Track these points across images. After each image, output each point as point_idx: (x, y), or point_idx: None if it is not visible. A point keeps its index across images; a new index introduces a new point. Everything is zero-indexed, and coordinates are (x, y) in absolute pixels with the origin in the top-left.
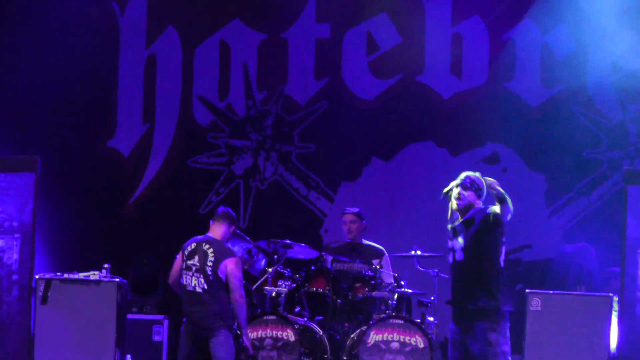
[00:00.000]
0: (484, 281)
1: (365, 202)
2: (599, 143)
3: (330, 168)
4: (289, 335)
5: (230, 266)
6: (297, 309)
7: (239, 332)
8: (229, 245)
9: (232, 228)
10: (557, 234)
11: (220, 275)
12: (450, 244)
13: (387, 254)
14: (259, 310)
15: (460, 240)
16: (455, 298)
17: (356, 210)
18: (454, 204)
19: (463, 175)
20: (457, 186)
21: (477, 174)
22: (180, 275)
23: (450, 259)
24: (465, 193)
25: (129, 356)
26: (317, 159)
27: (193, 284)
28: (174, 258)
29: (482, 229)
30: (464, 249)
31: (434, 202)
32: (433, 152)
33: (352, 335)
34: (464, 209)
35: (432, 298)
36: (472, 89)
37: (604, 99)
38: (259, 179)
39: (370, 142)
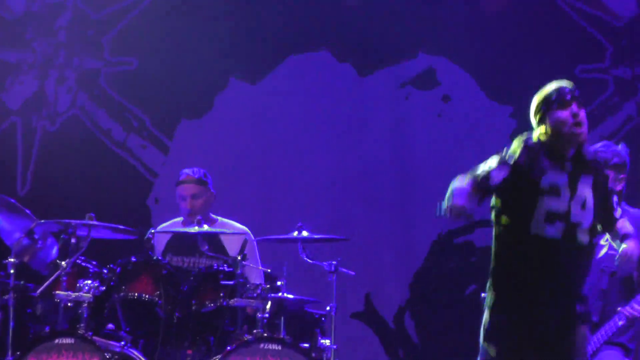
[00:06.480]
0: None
1: (218, 150)
2: None
3: (164, 95)
4: None
5: None
6: (110, 326)
7: None
8: None
9: None
10: None
11: None
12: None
13: (252, 237)
14: (47, 329)
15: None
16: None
17: (198, 174)
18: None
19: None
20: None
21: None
22: None
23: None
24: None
25: None
26: (142, 82)
27: None
28: None
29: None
30: (584, 207)
31: None
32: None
33: None
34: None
35: (329, 308)
36: None
37: None
38: (47, 115)
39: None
